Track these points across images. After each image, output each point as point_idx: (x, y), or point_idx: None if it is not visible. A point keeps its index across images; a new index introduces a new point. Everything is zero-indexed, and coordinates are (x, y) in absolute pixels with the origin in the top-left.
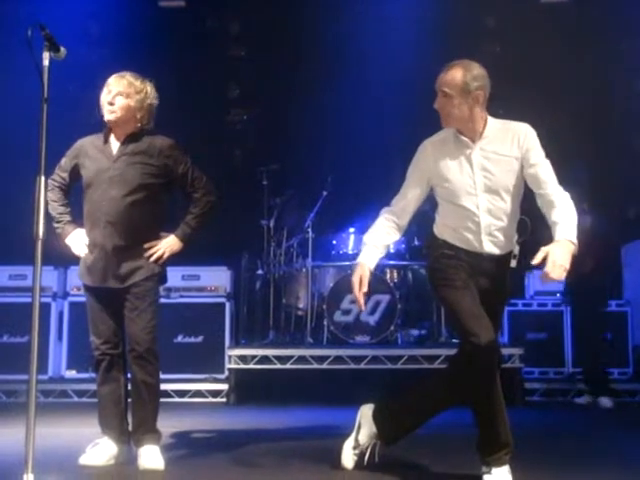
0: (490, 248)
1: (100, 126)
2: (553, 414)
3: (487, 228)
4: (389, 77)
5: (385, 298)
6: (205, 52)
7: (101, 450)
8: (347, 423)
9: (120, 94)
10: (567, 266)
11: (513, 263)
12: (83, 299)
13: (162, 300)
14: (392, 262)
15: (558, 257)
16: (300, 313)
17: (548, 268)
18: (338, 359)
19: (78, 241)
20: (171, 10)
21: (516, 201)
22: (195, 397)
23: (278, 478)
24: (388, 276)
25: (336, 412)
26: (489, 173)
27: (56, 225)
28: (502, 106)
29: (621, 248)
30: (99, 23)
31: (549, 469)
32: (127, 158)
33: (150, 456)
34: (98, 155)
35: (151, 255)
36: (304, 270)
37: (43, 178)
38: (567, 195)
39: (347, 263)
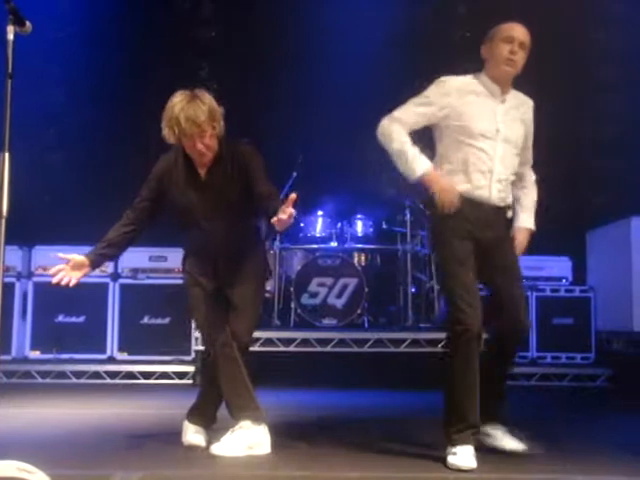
0: (496, 196)
1: None
2: (516, 397)
3: (498, 175)
4: (361, 58)
5: (353, 281)
6: (174, 32)
7: (199, 435)
8: (310, 404)
9: (209, 134)
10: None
11: (509, 213)
12: (47, 279)
13: (129, 281)
14: (360, 246)
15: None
16: (267, 295)
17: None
18: (305, 342)
19: (62, 259)
20: None
21: (517, 164)
22: (161, 379)
23: (232, 458)
24: (356, 260)
25: (301, 394)
26: (509, 126)
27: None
28: None
29: (586, 234)
30: (67, 2)
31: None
32: (218, 184)
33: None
34: (186, 182)
35: (255, 264)
36: (272, 252)
37: (7, 155)
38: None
39: (315, 246)
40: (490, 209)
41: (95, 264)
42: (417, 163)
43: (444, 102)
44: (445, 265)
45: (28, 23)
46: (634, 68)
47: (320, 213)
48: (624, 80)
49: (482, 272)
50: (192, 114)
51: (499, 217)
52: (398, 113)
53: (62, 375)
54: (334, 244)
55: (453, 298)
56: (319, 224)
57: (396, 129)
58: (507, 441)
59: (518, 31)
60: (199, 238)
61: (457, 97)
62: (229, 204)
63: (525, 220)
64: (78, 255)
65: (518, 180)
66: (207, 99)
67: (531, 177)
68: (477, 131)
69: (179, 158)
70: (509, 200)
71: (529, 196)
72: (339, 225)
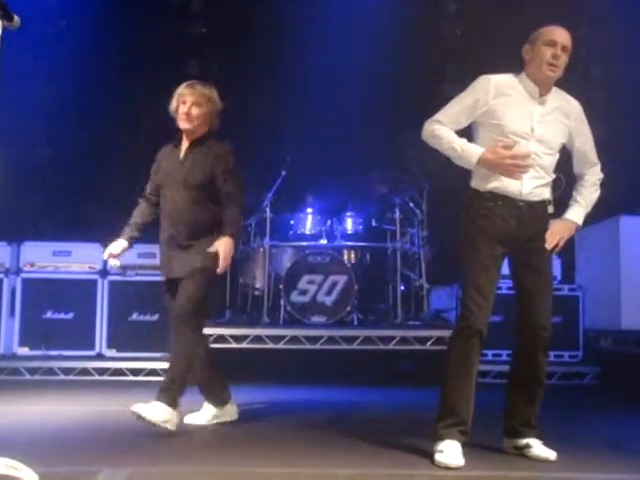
0: (528, 191)
1: None
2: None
3: (530, 173)
4: (350, 59)
5: (342, 279)
6: (164, 28)
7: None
8: (299, 402)
9: (195, 104)
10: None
11: (550, 209)
12: (36, 275)
13: (117, 278)
14: (350, 243)
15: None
16: (257, 293)
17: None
18: (294, 339)
19: (110, 247)
20: None
21: (554, 163)
22: (150, 376)
23: (223, 454)
24: (345, 257)
25: (290, 391)
26: (546, 126)
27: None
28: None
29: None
30: None
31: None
32: (192, 162)
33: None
34: (170, 158)
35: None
36: (261, 250)
37: None
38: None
39: (304, 243)
40: (524, 205)
41: (131, 245)
42: (469, 152)
43: (483, 99)
44: (466, 267)
45: (16, 17)
46: (623, 67)
47: (310, 210)
48: (613, 80)
49: (513, 270)
50: (192, 83)
51: (536, 212)
52: (438, 115)
53: (50, 372)
54: (324, 241)
55: (464, 297)
56: (309, 221)
57: (438, 127)
58: (540, 449)
59: (561, 35)
60: (167, 206)
61: (495, 95)
62: (193, 184)
63: (570, 212)
64: (122, 243)
65: (578, 180)
66: (212, 89)
67: (592, 177)
68: (509, 129)
69: (175, 144)
70: (547, 195)
71: (583, 193)
72: (329, 222)
